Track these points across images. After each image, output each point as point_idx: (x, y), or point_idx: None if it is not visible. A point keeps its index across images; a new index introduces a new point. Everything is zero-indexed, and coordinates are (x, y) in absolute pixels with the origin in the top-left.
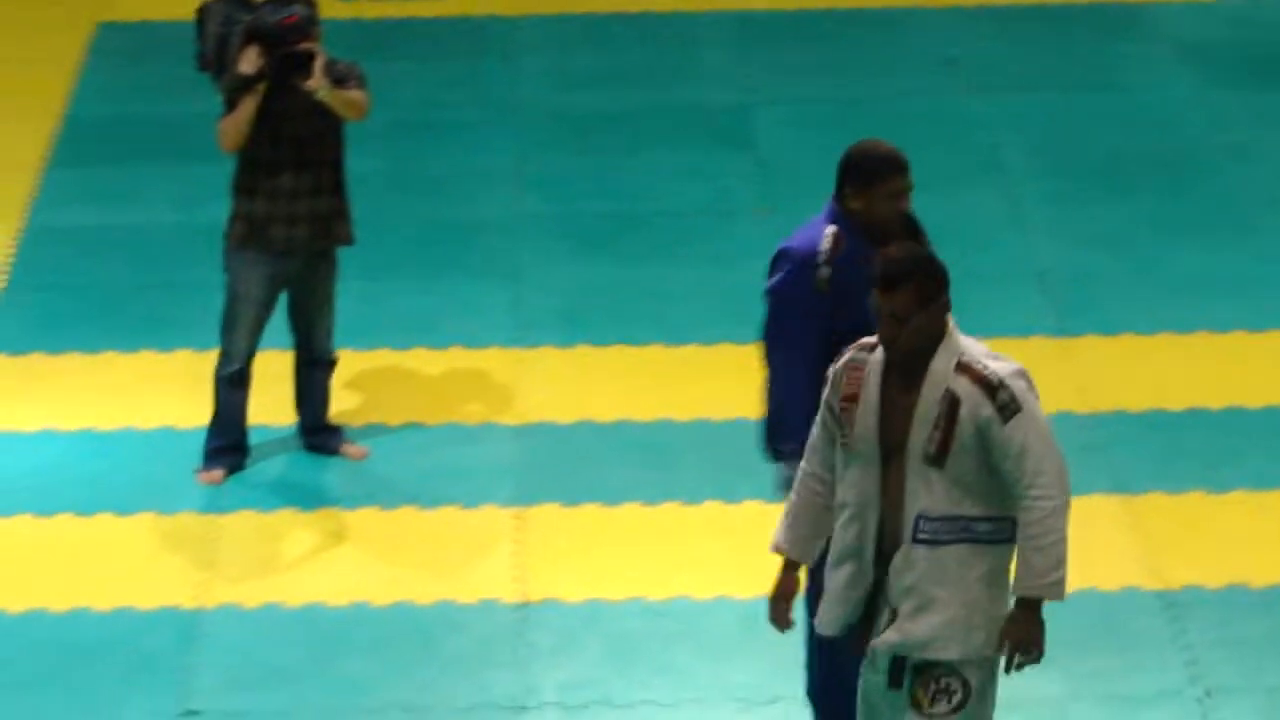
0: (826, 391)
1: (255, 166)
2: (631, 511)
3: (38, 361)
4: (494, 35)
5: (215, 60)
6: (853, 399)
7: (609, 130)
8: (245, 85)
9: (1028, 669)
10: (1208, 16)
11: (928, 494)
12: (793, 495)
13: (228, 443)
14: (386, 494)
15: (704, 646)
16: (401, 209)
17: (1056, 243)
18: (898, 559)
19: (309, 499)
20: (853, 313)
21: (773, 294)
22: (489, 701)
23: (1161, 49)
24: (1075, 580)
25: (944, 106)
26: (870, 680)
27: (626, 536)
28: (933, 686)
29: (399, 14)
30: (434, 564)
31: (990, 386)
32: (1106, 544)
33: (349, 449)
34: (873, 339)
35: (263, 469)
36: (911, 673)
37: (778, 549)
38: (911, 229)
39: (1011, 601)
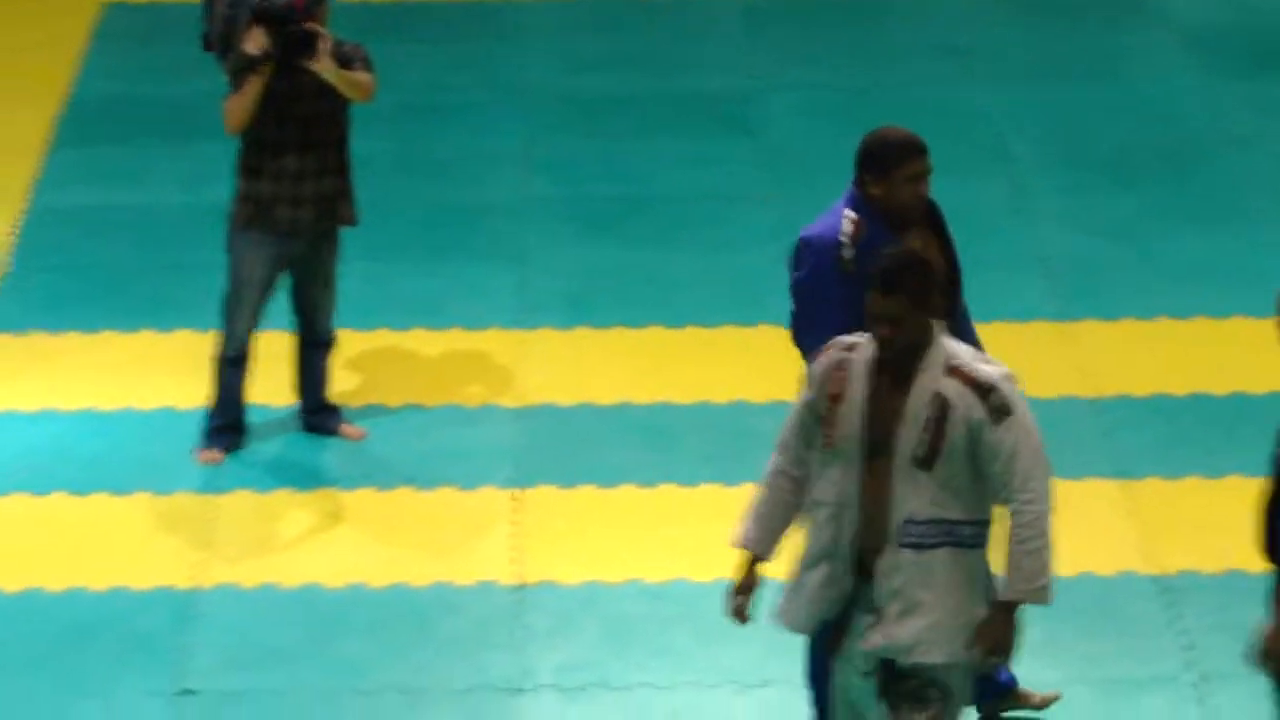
0: (809, 391)
1: (260, 147)
2: (629, 494)
3: (39, 341)
4: (501, 18)
5: (221, 41)
6: (837, 398)
7: (615, 114)
8: (251, 66)
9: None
10: (1213, 5)
11: (915, 497)
12: (760, 491)
13: (226, 422)
14: (384, 475)
15: (701, 629)
16: (407, 191)
17: (1060, 230)
18: (883, 561)
19: (307, 479)
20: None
21: (799, 285)
22: (485, 683)
23: (1166, 38)
24: (1072, 564)
25: (950, 95)
26: (849, 679)
27: (624, 519)
28: (911, 695)
29: None
30: (431, 545)
31: (982, 389)
32: (1104, 528)
33: (347, 429)
34: (855, 338)
35: (261, 449)
36: (892, 678)
37: (741, 544)
38: (932, 214)
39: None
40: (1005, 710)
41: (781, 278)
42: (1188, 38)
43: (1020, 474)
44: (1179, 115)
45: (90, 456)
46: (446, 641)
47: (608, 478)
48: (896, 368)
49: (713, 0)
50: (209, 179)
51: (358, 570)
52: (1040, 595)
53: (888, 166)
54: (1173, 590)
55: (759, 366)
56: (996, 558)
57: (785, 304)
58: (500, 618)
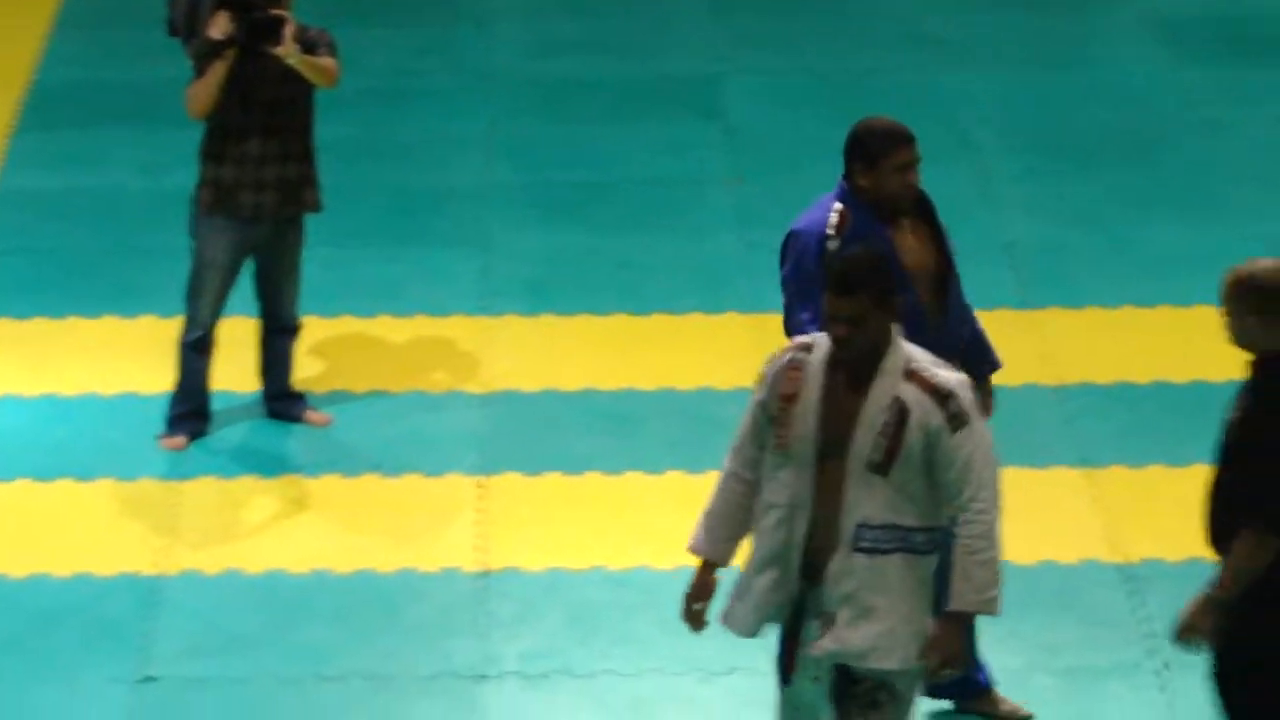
0: (761, 392)
1: (224, 132)
2: (594, 481)
3: (1, 326)
4: (466, 3)
5: (186, 26)
6: (791, 399)
7: (581, 99)
8: (215, 51)
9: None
10: None
11: (870, 502)
12: (713, 496)
13: (190, 409)
14: (349, 461)
15: (665, 617)
16: (372, 176)
17: (1026, 217)
18: (834, 566)
19: (271, 466)
20: None
21: (786, 279)
22: (450, 670)
23: (1134, 24)
24: (1035, 553)
25: (917, 81)
26: (801, 685)
27: (589, 506)
28: (863, 699)
29: None
30: (396, 532)
31: (941, 395)
32: (1067, 516)
33: (312, 416)
34: (810, 338)
35: (225, 435)
36: (842, 683)
37: (696, 550)
38: (923, 205)
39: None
40: (977, 710)
41: (747, 264)
42: (1155, 24)
43: (974, 483)
44: (1146, 102)
45: (54, 442)
46: (411, 628)
47: (573, 465)
48: (855, 369)
49: None
50: (173, 164)
51: (322, 557)
52: (990, 606)
53: (874, 156)
54: (1136, 578)
55: (724, 353)
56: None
57: (751, 290)
58: (465, 604)
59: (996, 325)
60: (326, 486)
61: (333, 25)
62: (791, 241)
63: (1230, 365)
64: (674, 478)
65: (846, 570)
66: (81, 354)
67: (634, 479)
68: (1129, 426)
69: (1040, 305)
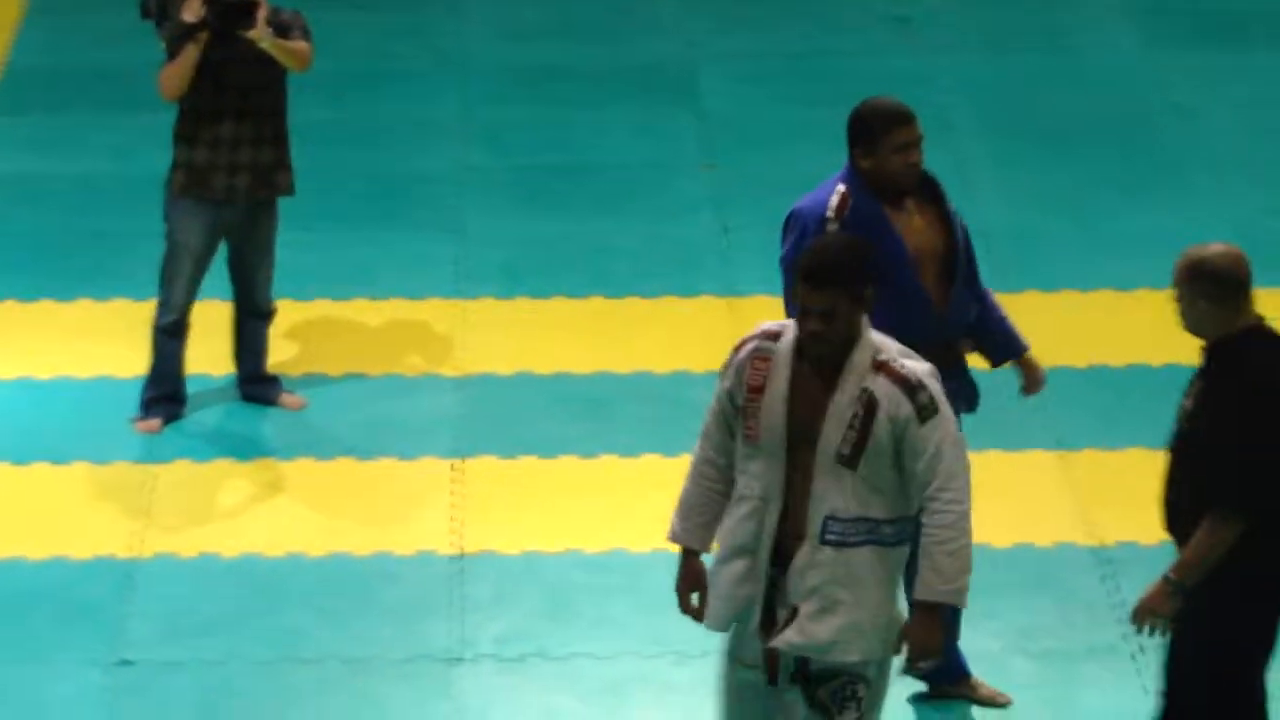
0: (727, 381)
1: (197, 115)
2: (569, 464)
3: None
4: None
5: (158, 9)
6: (759, 390)
7: (555, 83)
8: (187, 34)
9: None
10: None
11: (838, 494)
12: (686, 483)
13: (164, 393)
14: (324, 445)
15: (640, 599)
16: (345, 160)
17: (1000, 201)
18: (800, 558)
19: (246, 449)
20: None
21: (784, 259)
22: (425, 653)
23: (1108, 8)
24: (1010, 535)
25: (891, 64)
26: (745, 676)
27: (564, 489)
28: (839, 693)
29: None
30: (371, 515)
31: (910, 386)
32: (1043, 500)
33: (287, 399)
34: (776, 327)
35: (200, 419)
36: (814, 678)
37: (675, 539)
38: (930, 186)
39: (904, 602)
40: (954, 695)
41: (721, 247)
42: (1128, 8)
43: (943, 474)
44: (1119, 86)
45: (28, 426)
46: (386, 611)
47: (547, 448)
48: (824, 360)
49: None
50: (146, 148)
51: (297, 540)
52: (959, 597)
53: (874, 137)
54: (1111, 561)
55: (699, 336)
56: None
57: (725, 273)
58: (440, 587)
59: None
60: (301, 470)
61: (306, 8)
62: (792, 221)
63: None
64: (649, 460)
65: (813, 563)
66: (55, 337)
67: (609, 462)
68: (1103, 410)
69: (1015, 289)
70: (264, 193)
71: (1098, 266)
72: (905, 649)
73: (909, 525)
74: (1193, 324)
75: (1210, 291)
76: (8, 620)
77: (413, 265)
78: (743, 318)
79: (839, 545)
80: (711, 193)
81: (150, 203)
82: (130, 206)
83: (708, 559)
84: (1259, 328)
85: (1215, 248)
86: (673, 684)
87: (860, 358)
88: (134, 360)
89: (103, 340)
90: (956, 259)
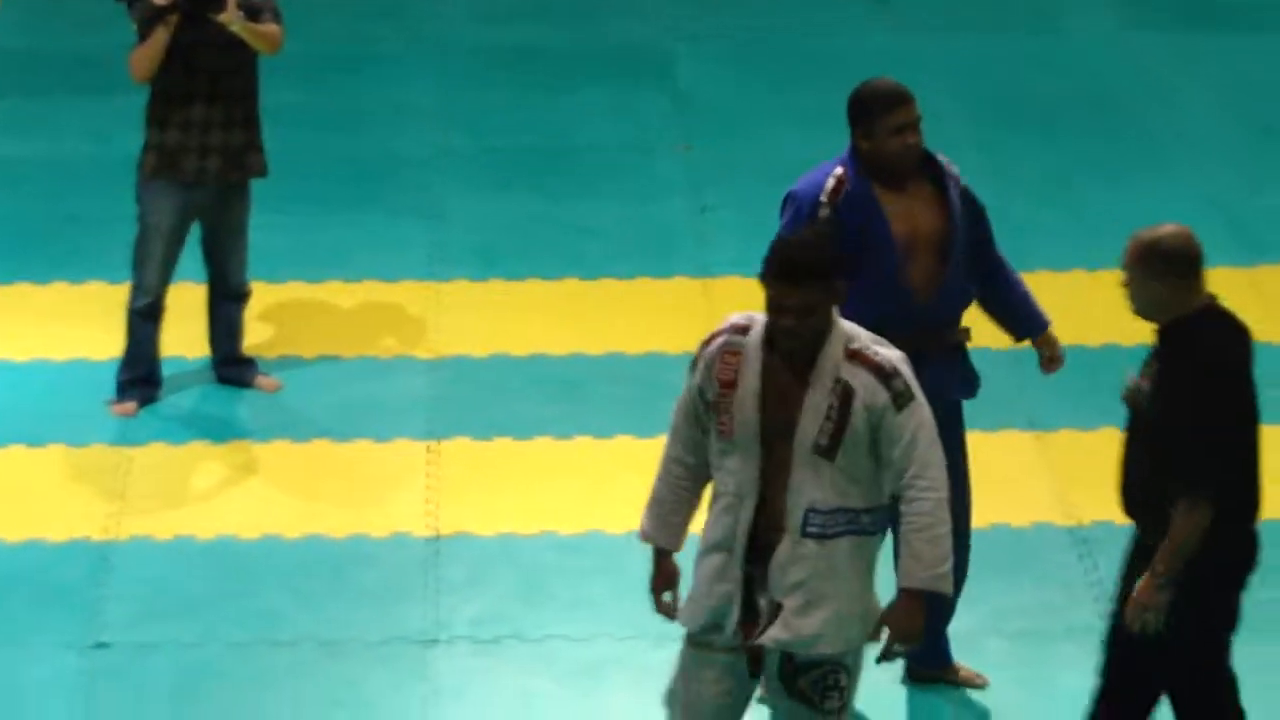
0: (697, 376)
1: (168, 98)
2: (544, 445)
3: None
4: None
5: None
6: (730, 386)
7: (530, 65)
8: (158, 16)
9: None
10: None
11: (817, 486)
12: (656, 481)
13: (138, 375)
14: (299, 427)
15: (616, 581)
16: (321, 142)
17: (978, 182)
18: (782, 552)
19: (221, 431)
20: (849, 255)
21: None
22: (401, 635)
23: None
24: (987, 516)
25: (870, 46)
26: (716, 658)
27: (539, 471)
28: (820, 683)
29: None
30: (346, 497)
31: (885, 374)
32: (1019, 480)
33: (262, 381)
34: (744, 320)
35: (175, 401)
36: (796, 670)
37: (647, 538)
38: (932, 167)
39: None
40: (933, 678)
41: (696, 229)
42: None
43: (919, 461)
44: (1097, 67)
45: (3, 408)
46: (362, 593)
47: (522, 429)
48: (797, 352)
49: None
50: (121, 131)
51: (273, 522)
52: (942, 583)
53: (872, 119)
54: (1088, 541)
55: (673, 318)
56: None
57: (700, 255)
58: (415, 569)
59: None
60: (277, 452)
61: None
62: (788, 202)
63: None
64: (623, 442)
65: (795, 557)
66: (31, 320)
67: (584, 443)
68: (1080, 390)
69: None
70: (235, 175)
71: (1075, 247)
72: (885, 634)
73: (885, 513)
74: (1145, 306)
75: (1167, 270)
76: None
77: (388, 247)
78: (718, 299)
79: (820, 538)
80: (687, 174)
81: (127, 186)
82: (107, 189)
83: (681, 556)
84: (1212, 307)
85: (1167, 228)
86: (649, 666)
87: (833, 348)
88: (110, 343)
89: (79, 323)
90: (953, 243)
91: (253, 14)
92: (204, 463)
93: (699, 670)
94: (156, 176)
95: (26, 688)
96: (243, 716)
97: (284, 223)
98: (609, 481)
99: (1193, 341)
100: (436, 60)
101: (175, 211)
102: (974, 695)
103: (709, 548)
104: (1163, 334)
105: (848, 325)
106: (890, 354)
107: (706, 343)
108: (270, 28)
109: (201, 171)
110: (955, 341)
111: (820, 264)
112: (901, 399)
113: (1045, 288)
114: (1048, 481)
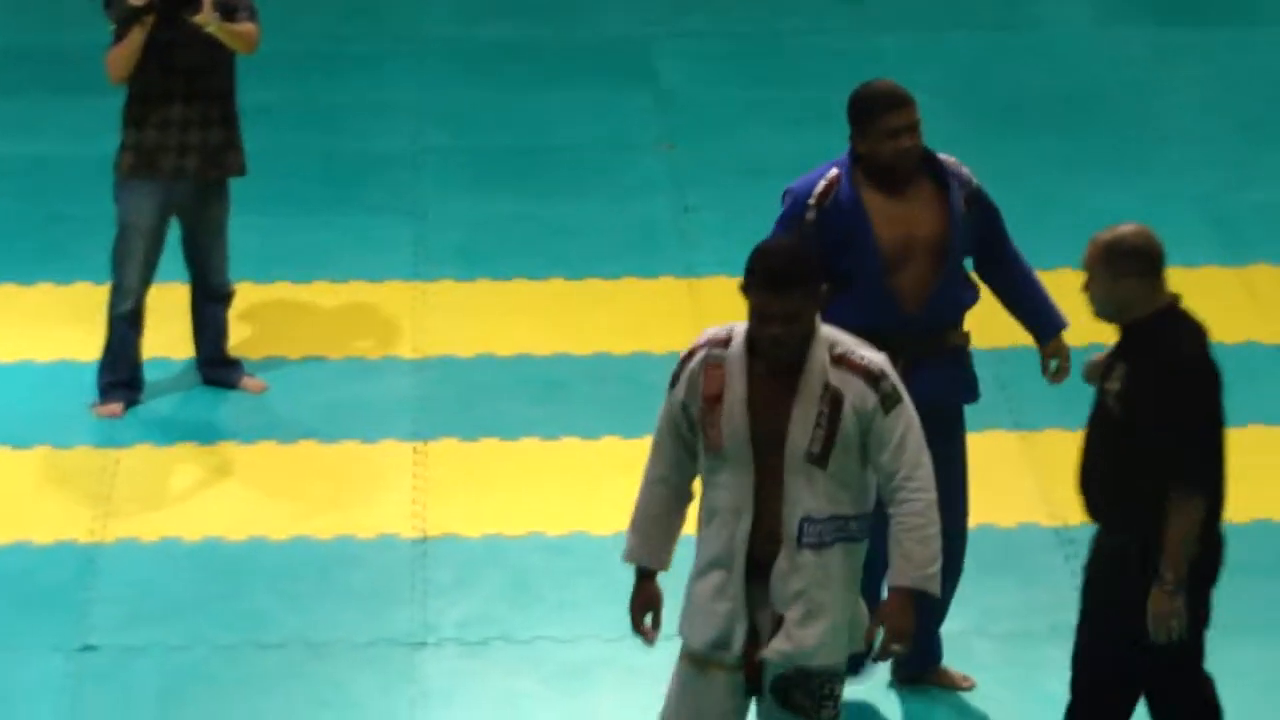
0: (680, 392)
1: (145, 98)
2: (530, 446)
3: None
4: None
5: None
6: (716, 398)
7: (512, 64)
8: (134, 16)
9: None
10: None
11: (811, 495)
12: (639, 500)
13: (120, 378)
14: (285, 428)
15: (602, 582)
16: (302, 142)
17: None
18: (781, 564)
19: (207, 433)
20: (834, 259)
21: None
22: (388, 636)
23: None
24: (973, 516)
25: (846, 42)
26: (715, 676)
27: (525, 472)
28: (816, 693)
29: None
30: (333, 498)
31: (872, 377)
32: (1005, 480)
33: (248, 382)
34: (723, 332)
35: (161, 402)
36: (791, 682)
37: (631, 559)
38: (934, 168)
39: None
40: (921, 680)
41: (680, 227)
42: None
43: (908, 463)
44: (1074, 62)
45: None
46: (349, 595)
47: (509, 430)
48: (782, 361)
49: None
50: (102, 130)
51: (259, 523)
52: (930, 583)
53: (867, 121)
54: (1074, 541)
55: (658, 317)
56: None
57: (684, 254)
58: (402, 571)
59: None
60: (263, 453)
61: None
62: (785, 198)
63: None
64: (610, 443)
65: (794, 567)
66: (15, 321)
67: (570, 444)
68: (1064, 389)
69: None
70: (213, 174)
71: (1055, 244)
72: (878, 638)
73: (869, 520)
74: (1107, 307)
75: (1133, 269)
76: None
77: (372, 248)
78: (703, 299)
79: (816, 547)
80: (670, 173)
81: (106, 186)
82: (91, 190)
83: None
84: (1173, 307)
85: (1126, 227)
86: (636, 667)
87: (818, 353)
88: (94, 344)
89: (63, 324)
90: (950, 247)
91: (228, 13)
92: (190, 464)
93: (702, 687)
94: (134, 175)
95: (13, 691)
96: (230, 718)
97: (266, 223)
98: (596, 482)
99: (1157, 340)
100: (418, 59)
101: (154, 210)
102: (961, 698)
103: (706, 565)
104: (1126, 334)
105: (829, 330)
106: (874, 356)
107: (686, 358)
108: (246, 27)
109: (179, 169)
110: (955, 346)
111: (802, 270)
112: (889, 400)
113: None
114: (1033, 482)
